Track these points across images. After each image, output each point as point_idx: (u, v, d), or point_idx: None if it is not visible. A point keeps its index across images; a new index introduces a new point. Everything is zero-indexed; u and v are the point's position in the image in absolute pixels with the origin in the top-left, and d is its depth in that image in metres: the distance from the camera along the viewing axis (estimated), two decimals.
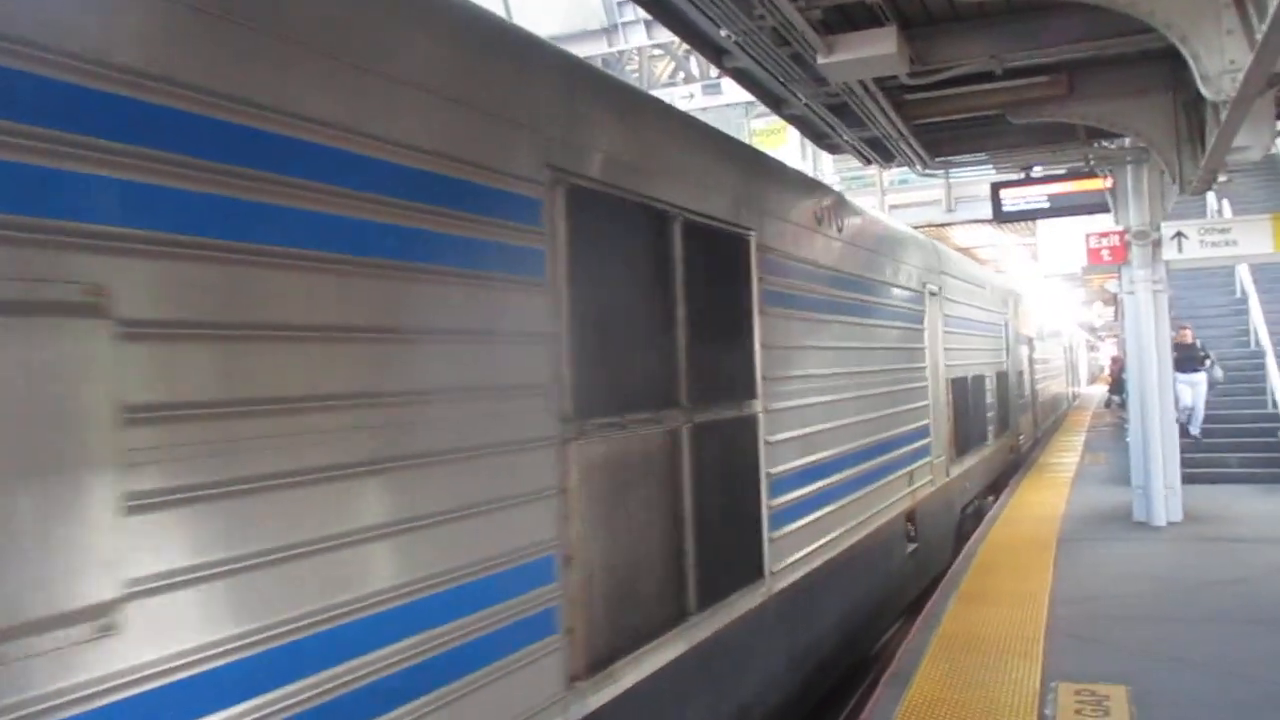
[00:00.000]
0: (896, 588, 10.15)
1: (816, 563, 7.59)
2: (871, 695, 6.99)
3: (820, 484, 7.79)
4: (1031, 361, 22.93)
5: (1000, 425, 17.03)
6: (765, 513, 6.62)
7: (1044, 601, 8.94)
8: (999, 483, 16.95)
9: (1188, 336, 16.90)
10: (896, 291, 10.48)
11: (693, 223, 5.70)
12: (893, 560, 9.97)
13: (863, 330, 9.15)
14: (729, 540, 6.08)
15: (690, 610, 5.46)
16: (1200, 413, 16.78)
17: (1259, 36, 5.47)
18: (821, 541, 7.74)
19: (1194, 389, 16.66)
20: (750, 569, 6.39)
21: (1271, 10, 5.00)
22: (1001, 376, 17.34)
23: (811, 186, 8.76)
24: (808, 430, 7.54)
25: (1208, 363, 16.77)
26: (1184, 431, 15.99)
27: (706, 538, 5.61)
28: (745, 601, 6.23)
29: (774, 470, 6.79)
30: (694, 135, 6.45)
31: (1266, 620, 8.19)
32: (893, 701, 6.63)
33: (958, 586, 9.68)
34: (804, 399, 7.49)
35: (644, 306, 5.21)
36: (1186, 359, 16.29)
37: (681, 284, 5.52)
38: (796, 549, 7.19)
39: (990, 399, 15.93)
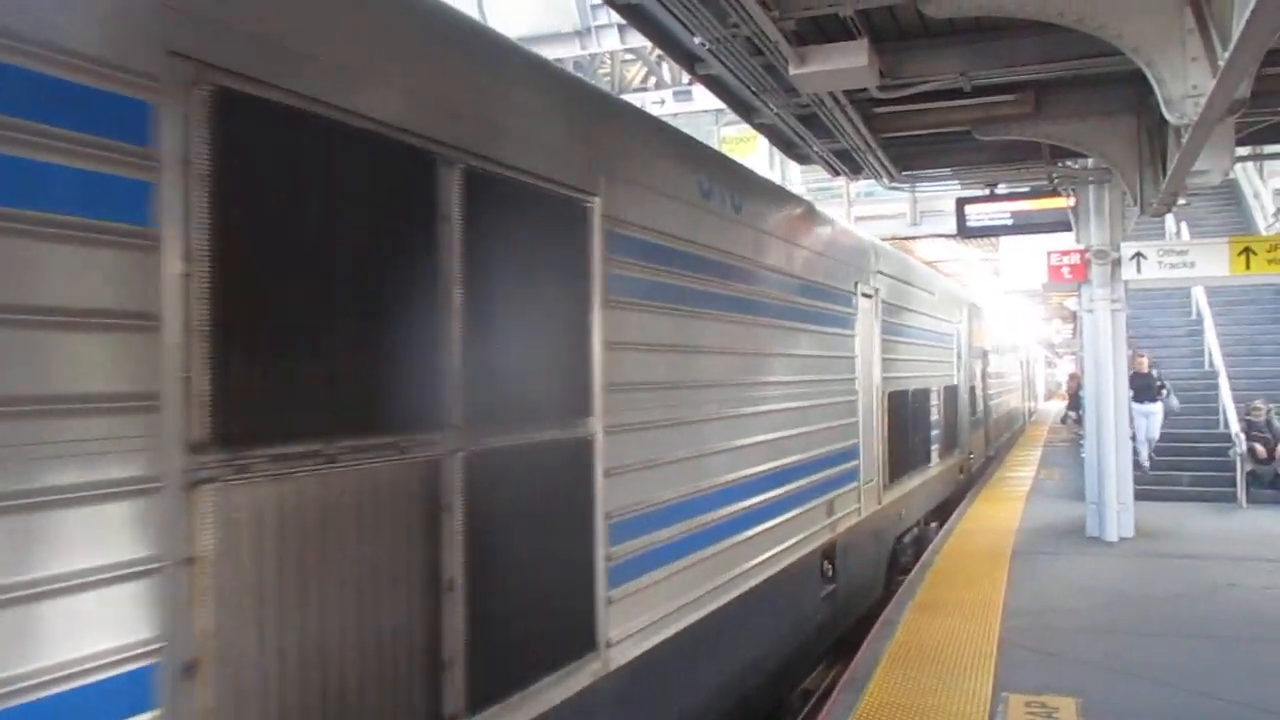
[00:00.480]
0: (805, 638, 8.53)
1: (683, 623, 6.01)
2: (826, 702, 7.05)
3: (691, 524, 6.12)
4: (985, 376, 21.60)
5: (947, 444, 15.44)
6: (600, 566, 5.08)
7: (997, 613, 9.04)
8: (946, 507, 15.74)
9: (1144, 365, 16.43)
10: (817, 290, 8.90)
11: (483, 174, 4.20)
12: (801, 607, 8.37)
13: (762, 334, 7.47)
14: (537, 607, 4.58)
15: (455, 715, 3.95)
16: (1154, 440, 16.59)
17: (1221, 63, 5.58)
18: (691, 596, 6.15)
19: (1149, 419, 16.34)
20: (574, 642, 4.88)
21: (1234, 38, 5.11)
22: (950, 391, 15.89)
23: (695, 150, 7.02)
24: (672, 457, 5.95)
25: (1164, 392, 16.43)
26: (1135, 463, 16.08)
27: (491, 609, 4.16)
28: (565, 686, 4.72)
29: (616, 509, 5.23)
30: (495, 51, 4.68)
31: (1214, 635, 8.34)
32: (847, 709, 6.67)
33: (913, 597, 9.76)
34: (668, 416, 5.91)
35: (385, 282, 3.68)
36: (1143, 388, 16.03)
37: (458, 256, 4.01)
38: (651, 609, 5.64)
39: (936, 415, 14.43)
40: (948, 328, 15.96)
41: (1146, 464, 16.20)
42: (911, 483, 12.72)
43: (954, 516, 14.92)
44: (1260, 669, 7.37)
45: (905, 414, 12.22)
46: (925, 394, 13.67)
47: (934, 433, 14.31)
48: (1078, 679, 7.17)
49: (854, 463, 9.96)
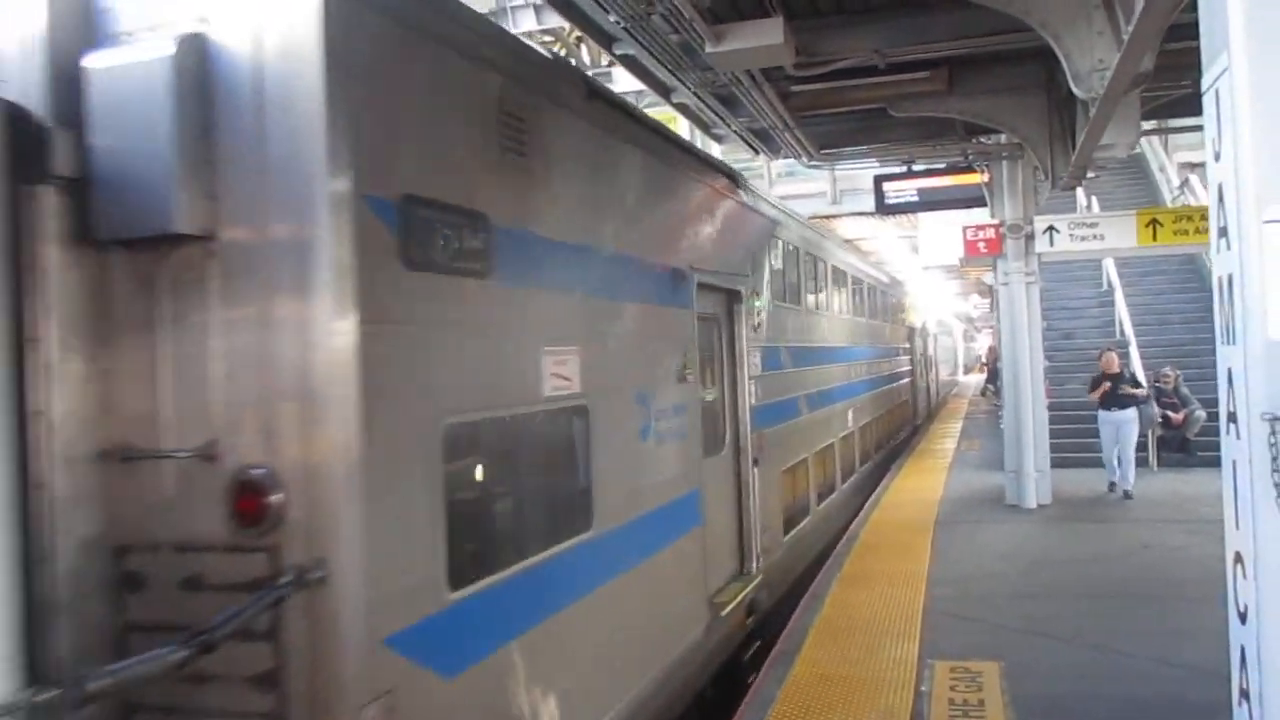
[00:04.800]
0: None
1: None
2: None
3: None
4: (740, 370, 8.60)
5: None
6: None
7: (922, 582, 9.20)
8: None
9: (1114, 363, 13.70)
10: None
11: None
12: None
13: None
14: None
15: None
16: (1131, 460, 13.59)
17: (1125, 37, 5.71)
18: None
19: (1120, 430, 13.43)
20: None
21: (1137, 11, 5.23)
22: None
23: None
24: None
25: (1141, 393, 13.83)
26: (1113, 487, 13.48)
27: None
28: None
29: None
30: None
31: (1128, 595, 8.61)
32: (776, 682, 6.74)
33: (840, 569, 9.89)
34: None
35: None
36: (1114, 391, 13.47)
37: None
38: None
39: None
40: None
41: (1118, 484, 13.55)
42: None
43: (878, 489, 15.15)
44: (1170, 627, 7.62)
45: None
46: None
47: None
48: (1000, 643, 7.34)
49: None
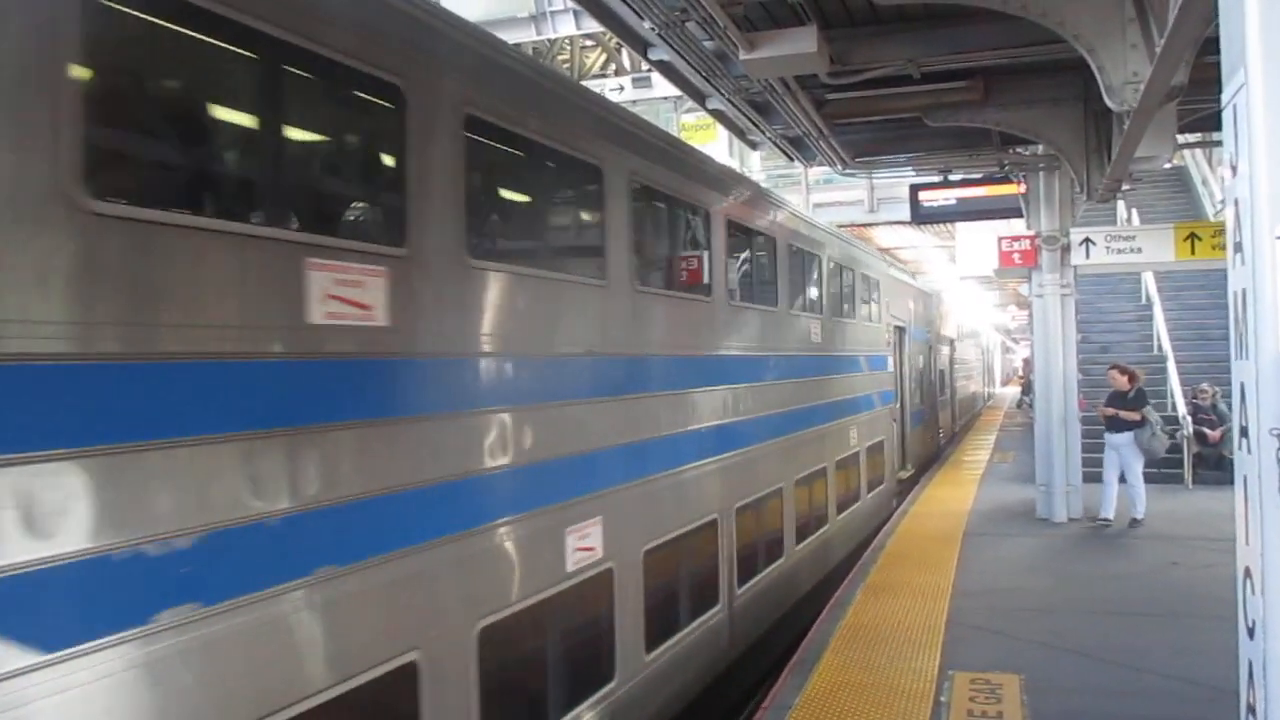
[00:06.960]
0: None
1: None
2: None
3: None
4: None
5: None
6: None
7: (946, 594, 9.17)
8: None
9: (1123, 381, 12.45)
10: None
11: None
12: None
13: None
14: None
15: None
16: (1137, 485, 12.41)
17: (1158, 49, 5.68)
18: None
19: (1120, 453, 12.35)
20: None
21: (1170, 23, 5.21)
22: None
23: None
24: None
25: (1131, 417, 12.23)
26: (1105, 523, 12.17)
27: None
28: None
29: None
30: None
31: (1154, 614, 8.52)
32: (795, 690, 6.76)
33: (865, 578, 9.88)
34: None
35: None
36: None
37: None
38: None
39: None
40: None
41: (1109, 517, 12.34)
42: None
43: (908, 500, 15.08)
44: (1195, 645, 7.53)
45: None
46: None
47: None
48: (1022, 657, 7.31)
49: None
